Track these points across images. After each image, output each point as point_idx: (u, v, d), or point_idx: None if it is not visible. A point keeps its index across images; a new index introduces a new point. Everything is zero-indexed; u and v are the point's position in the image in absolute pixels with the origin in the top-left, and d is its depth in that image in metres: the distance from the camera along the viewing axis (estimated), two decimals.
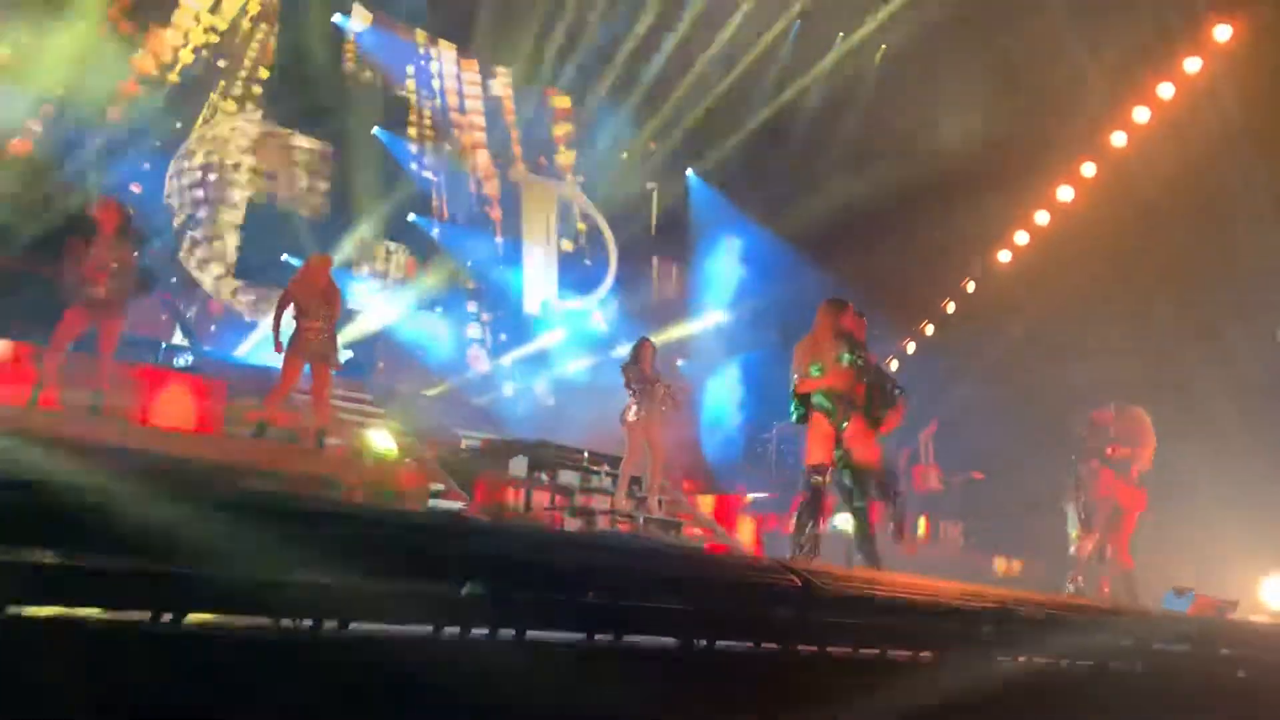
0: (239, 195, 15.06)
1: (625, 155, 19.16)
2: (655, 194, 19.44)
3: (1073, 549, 10.42)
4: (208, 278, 14.43)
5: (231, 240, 14.84)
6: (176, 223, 14.48)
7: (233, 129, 15.24)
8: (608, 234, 18.98)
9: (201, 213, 14.67)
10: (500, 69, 18.57)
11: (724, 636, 3.78)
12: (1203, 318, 12.56)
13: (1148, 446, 9.90)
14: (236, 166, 15.08)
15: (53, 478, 2.64)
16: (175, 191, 14.60)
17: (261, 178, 15.39)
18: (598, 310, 18.74)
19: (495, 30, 17.04)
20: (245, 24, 15.24)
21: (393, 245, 16.67)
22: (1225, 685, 5.99)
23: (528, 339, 17.72)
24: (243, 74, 15.31)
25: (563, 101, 19.12)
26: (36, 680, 2.21)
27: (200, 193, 14.77)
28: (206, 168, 14.85)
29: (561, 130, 19.24)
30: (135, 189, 13.89)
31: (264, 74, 15.43)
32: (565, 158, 19.23)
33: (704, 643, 3.71)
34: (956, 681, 4.45)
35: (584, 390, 16.28)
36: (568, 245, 18.98)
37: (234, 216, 14.97)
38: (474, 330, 17.44)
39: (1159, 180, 13.42)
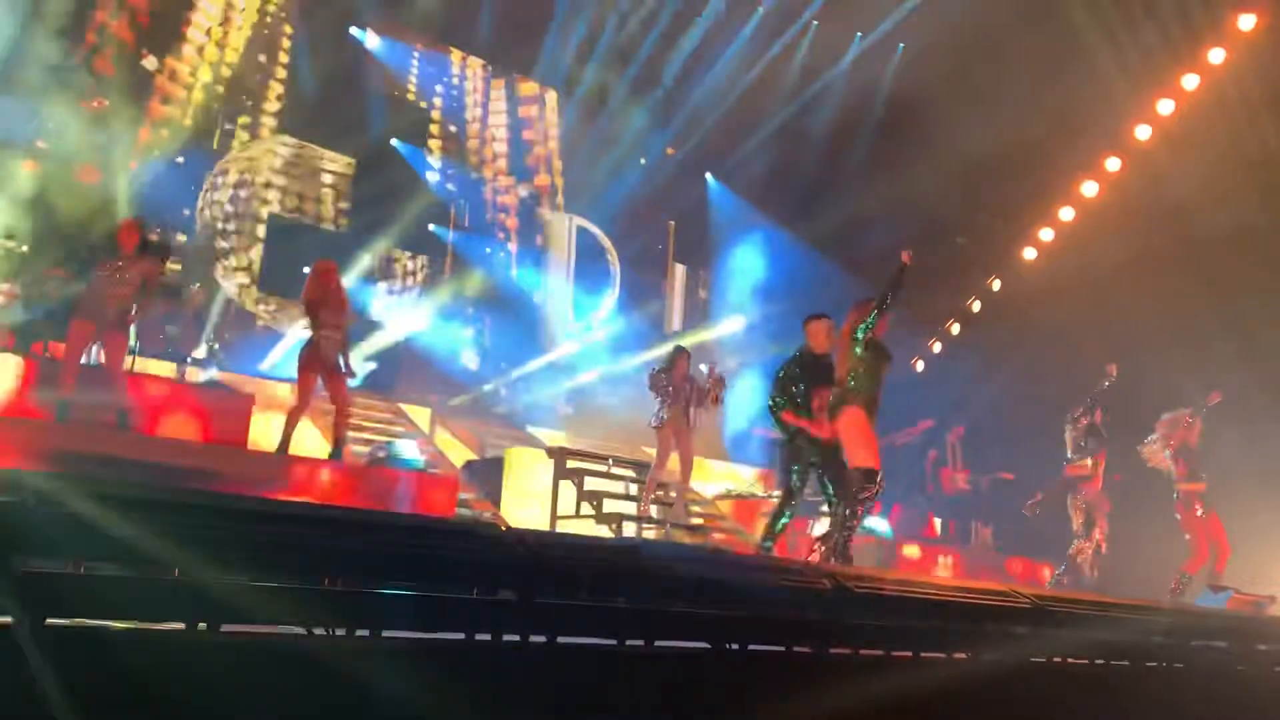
0: (266, 211, 15.19)
1: (643, 160, 19.16)
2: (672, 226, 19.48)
3: (1071, 549, 10.51)
4: (232, 287, 14.55)
5: (256, 252, 14.97)
6: (206, 238, 14.63)
7: (266, 150, 15.40)
8: (612, 252, 18.94)
9: (231, 225, 14.83)
10: (517, 78, 18.62)
11: (756, 641, 3.75)
12: (1236, 310, 12.42)
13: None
14: (267, 185, 15.24)
15: (76, 491, 2.64)
16: (207, 205, 14.78)
17: (289, 195, 15.52)
18: (608, 323, 18.70)
19: (510, 37, 17.10)
20: (258, 41, 15.36)
21: (411, 255, 16.71)
22: (1263, 681, 5.91)
23: (542, 349, 17.75)
24: (261, 92, 15.43)
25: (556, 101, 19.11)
26: (69, 691, 2.21)
27: (230, 208, 14.94)
28: (239, 184, 15.03)
29: (554, 129, 19.21)
30: (185, 212, 14.26)
31: (280, 90, 15.54)
32: (563, 158, 19.22)
33: (736, 647, 3.68)
34: (991, 682, 4.40)
35: (602, 398, 16.28)
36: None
37: (259, 230, 15.09)
38: (486, 338, 17.46)
39: (1186, 173, 13.31)
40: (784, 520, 7.09)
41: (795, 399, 7.17)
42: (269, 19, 15.55)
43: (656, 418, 10.19)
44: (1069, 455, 10.78)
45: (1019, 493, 13.87)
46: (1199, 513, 9.88)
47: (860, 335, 7.04)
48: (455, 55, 17.96)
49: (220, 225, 14.74)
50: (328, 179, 15.96)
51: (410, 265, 16.76)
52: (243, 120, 15.27)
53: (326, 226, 15.88)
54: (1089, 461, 10.61)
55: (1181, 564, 9.98)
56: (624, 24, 17.90)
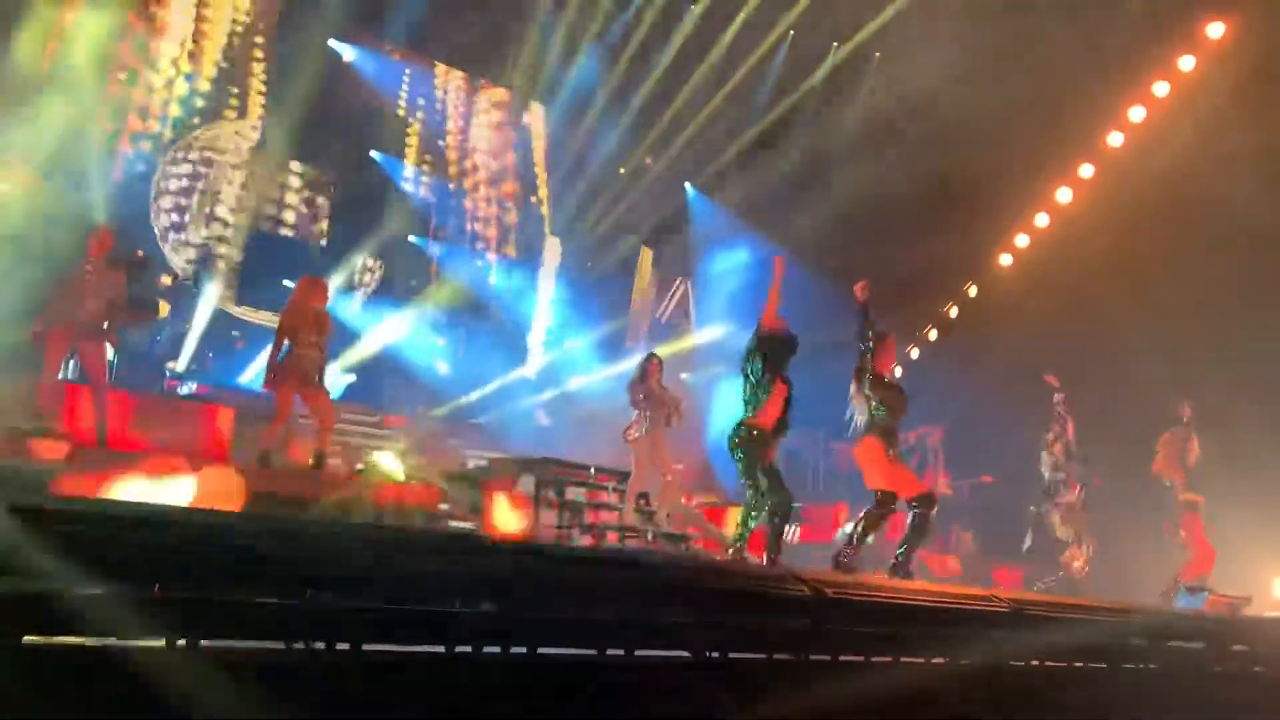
0: (240, 221, 15.07)
1: (622, 170, 19.21)
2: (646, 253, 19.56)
3: (1062, 558, 10.63)
4: (210, 302, 14.44)
5: (232, 265, 14.86)
6: (161, 226, 14.35)
7: (233, 132, 15.24)
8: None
9: (186, 201, 14.56)
10: (497, 89, 18.65)
11: (736, 648, 3.78)
12: (1212, 315, 12.53)
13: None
14: (233, 171, 15.02)
15: (62, 510, 2.65)
16: (164, 179, 14.52)
17: (262, 203, 15.42)
18: (587, 333, 18.75)
19: (489, 50, 17.13)
20: (238, 50, 15.31)
21: (375, 262, 16.57)
22: (1240, 681, 5.97)
23: (523, 359, 17.79)
24: (237, 101, 15.35)
25: (537, 113, 19.13)
26: (50, 709, 2.21)
27: (188, 183, 14.68)
28: (202, 161, 14.81)
29: (540, 140, 19.25)
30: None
31: (260, 100, 15.48)
32: (544, 168, 19.25)
33: (716, 655, 3.71)
34: (971, 685, 4.44)
35: (583, 408, 16.29)
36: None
37: (235, 241, 14.98)
38: (463, 349, 17.45)
39: (1157, 177, 13.44)
40: (754, 519, 7.16)
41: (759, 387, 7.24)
42: (246, 31, 15.49)
43: (633, 427, 10.21)
44: (1047, 479, 10.84)
45: (1000, 496, 13.97)
46: (1198, 522, 10.12)
47: (863, 377, 7.44)
48: (435, 67, 17.97)
49: (175, 200, 14.44)
50: (298, 183, 15.87)
51: (376, 270, 16.61)
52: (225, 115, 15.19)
53: (303, 237, 15.81)
54: (1071, 482, 10.75)
55: (1180, 570, 10.14)
56: (604, 33, 17.96)
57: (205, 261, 14.58)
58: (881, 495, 7.28)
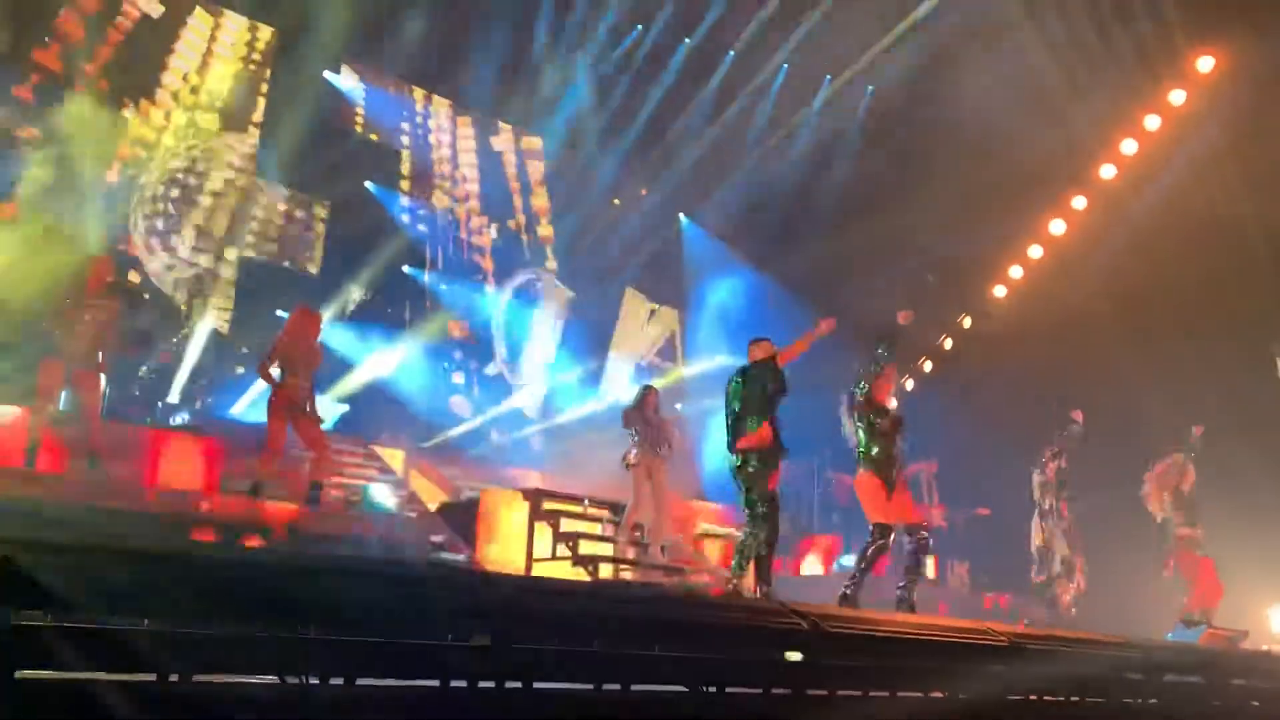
0: (230, 246, 15.04)
1: (617, 201, 19.29)
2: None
3: (1055, 590, 10.60)
4: (204, 331, 14.38)
5: (225, 296, 14.83)
6: (140, 231, 14.24)
7: (228, 145, 15.22)
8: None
9: (164, 224, 14.48)
10: (496, 122, 18.74)
11: (733, 683, 3.75)
12: (1207, 349, 12.56)
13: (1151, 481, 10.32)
14: (222, 183, 14.97)
15: (54, 542, 2.62)
16: (145, 200, 14.43)
17: (258, 236, 15.42)
18: (581, 364, 18.79)
19: (486, 82, 17.21)
20: (237, 81, 15.37)
21: (381, 296, 16.59)
22: (1239, 716, 5.94)
23: (516, 389, 17.80)
24: (234, 133, 15.38)
25: (532, 143, 19.23)
26: None
27: (172, 205, 14.64)
28: (189, 170, 14.80)
29: (537, 173, 19.33)
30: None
31: (255, 132, 15.52)
32: (539, 199, 19.31)
33: (713, 689, 3.67)
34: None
35: (577, 439, 16.26)
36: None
37: (228, 272, 14.96)
38: (459, 378, 17.44)
39: (1152, 210, 13.54)
40: (752, 550, 7.15)
41: (754, 413, 7.26)
42: (245, 63, 15.57)
43: (629, 457, 10.19)
44: (1036, 496, 10.90)
45: (995, 528, 13.93)
46: (1196, 556, 10.07)
47: (859, 399, 7.43)
48: (431, 99, 18.06)
49: (155, 206, 14.36)
50: (294, 213, 15.87)
51: (379, 303, 16.56)
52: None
53: (297, 267, 15.82)
54: (1060, 504, 10.77)
55: (1183, 604, 10.11)
56: (599, 64, 18.10)
57: (197, 284, 14.52)
58: (878, 528, 7.30)
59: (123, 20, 14.10)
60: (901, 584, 7.29)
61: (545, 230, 19.17)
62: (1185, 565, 10.13)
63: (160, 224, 14.34)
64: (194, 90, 14.90)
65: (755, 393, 7.29)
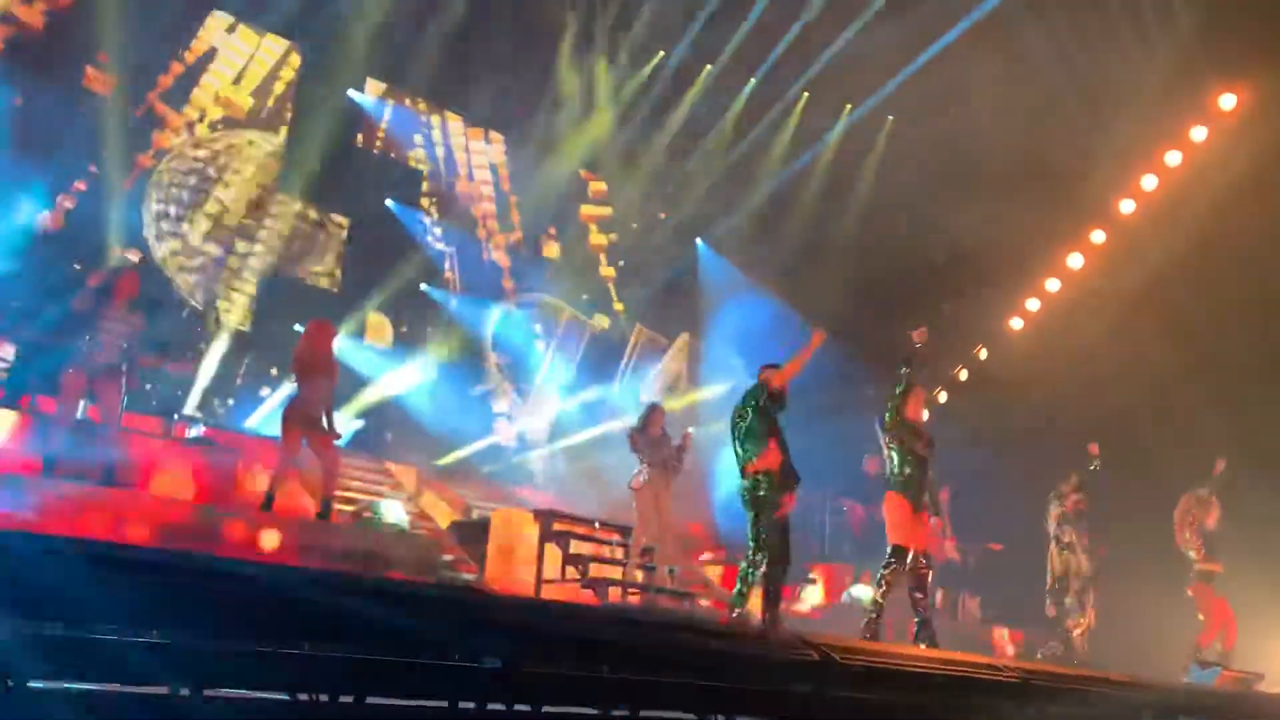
0: (252, 265, 15.13)
1: (635, 225, 19.36)
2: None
3: (1067, 624, 10.54)
4: (221, 343, 14.44)
5: (243, 309, 14.91)
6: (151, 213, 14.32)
7: (250, 142, 15.31)
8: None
9: (177, 210, 14.59)
10: (514, 142, 18.84)
11: (741, 712, 3.73)
12: (1222, 385, 12.50)
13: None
14: (242, 178, 15.05)
15: (66, 552, 2.63)
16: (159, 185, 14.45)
17: (277, 248, 15.50)
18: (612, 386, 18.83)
19: (508, 102, 17.32)
20: (265, 99, 15.52)
21: (399, 315, 16.67)
22: None
23: (538, 409, 17.83)
24: (261, 130, 15.53)
25: (598, 186, 19.45)
26: None
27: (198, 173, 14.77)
28: (212, 163, 14.89)
29: (592, 212, 19.48)
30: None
31: (279, 141, 15.64)
32: (598, 239, 19.48)
33: (721, 718, 3.66)
34: None
35: (594, 460, 16.25)
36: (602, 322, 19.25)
37: (247, 286, 15.05)
38: (502, 405, 17.52)
39: (1169, 247, 13.50)
40: (754, 577, 7.12)
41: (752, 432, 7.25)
42: (271, 80, 15.72)
43: (636, 479, 10.18)
44: (1054, 529, 10.85)
45: (1007, 563, 13.83)
46: (1213, 593, 10.03)
47: (890, 418, 7.47)
48: (454, 119, 18.16)
49: (169, 191, 14.46)
50: (314, 229, 15.96)
51: (397, 323, 16.61)
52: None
53: (316, 284, 15.90)
54: (1081, 537, 10.72)
55: (1195, 640, 10.06)
56: (620, 89, 18.18)
57: (203, 275, 14.55)
58: (895, 550, 7.30)
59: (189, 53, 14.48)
60: (919, 618, 7.28)
61: (557, 251, 19.22)
62: (1200, 599, 10.10)
63: (172, 210, 14.38)
64: (217, 100, 15.04)
65: (749, 413, 7.30)
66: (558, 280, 18.92)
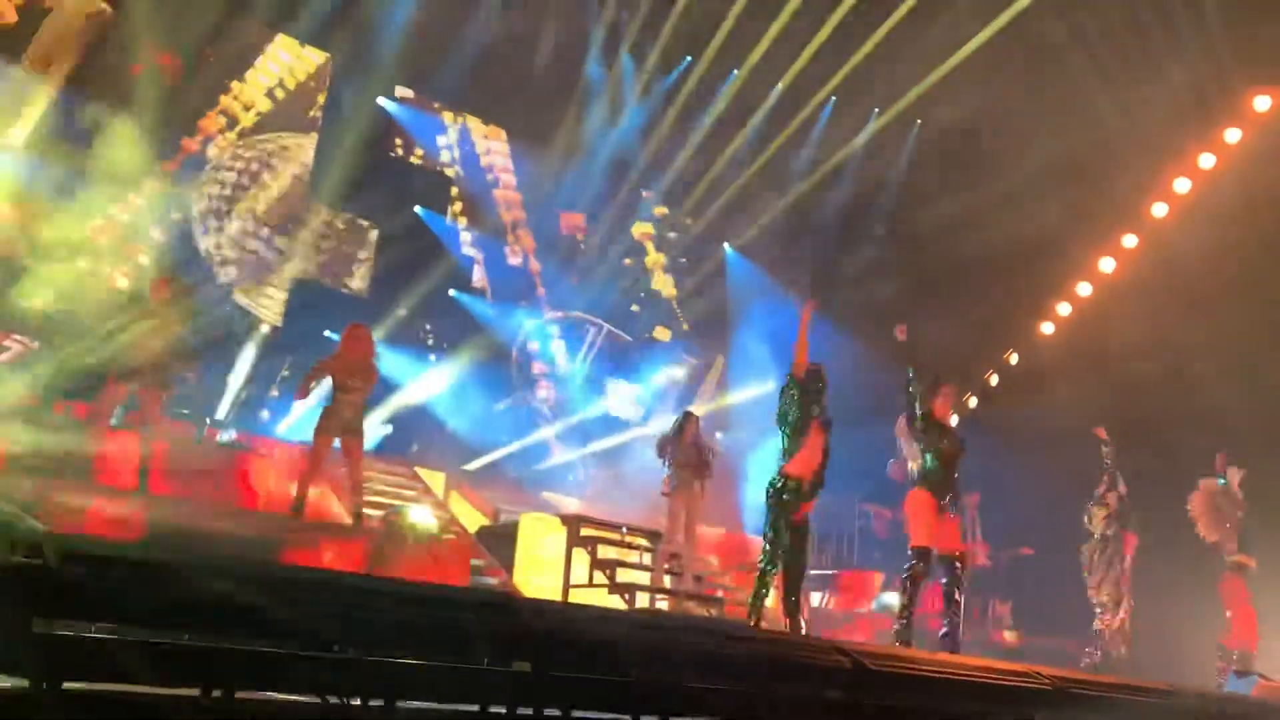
0: (287, 270, 15.27)
1: (672, 235, 19.40)
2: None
3: (1098, 624, 10.39)
4: (252, 349, 14.58)
5: (274, 314, 15.05)
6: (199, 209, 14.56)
7: (283, 148, 15.50)
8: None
9: (240, 179, 14.85)
10: (538, 147, 18.88)
11: (773, 718, 3.70)
12: (1256, 388, 12.32)
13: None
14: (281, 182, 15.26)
15: (100, 555, 2.64)
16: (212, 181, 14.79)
17: (307, 257, 15.63)
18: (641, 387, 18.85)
19: (536, 110, 17.37)
20: (301, 105, 15.69)
21: (430, 322, 16.74)
22: None
23: (560, 414, 17.87)
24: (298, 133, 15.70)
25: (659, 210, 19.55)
26: None
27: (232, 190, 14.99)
28: (260, 160, 15.11)
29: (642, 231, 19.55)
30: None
31: (311, 149, 15.78)
32: (654, 259, 19.58)
33: None
34: None
35: (624, 465, 16.24)
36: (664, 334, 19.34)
37: (278, 291, 15.19)
38: (550, 432, 17.58)
39: (1202, 252, 13.33)
40: (771, 572, 7.09)
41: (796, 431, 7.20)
42: (302, 89, 15.87)
43: (666, 485, 10.16)
44: (1097, 535, 10.67)
45: (1038, 568, 13.68)
46: (1245, 587, 9.87)
47: (919, 420, 7.43)
48: (482, 125, 18.23)
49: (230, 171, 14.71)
50: (345, 235, 16.11)
51: (427, 329, 16.69)
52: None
53: (346, 289, 16.03)
54: (1126, 536, 10.56)
55: (1220, 640, 9.91)
56: (646, 93, 18.18)
57: (241, 270, 14.70)
58: (915, 552, 7.24)
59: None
60: (943, 626, 7.18)
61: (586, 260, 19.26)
62: (1230, 594, 9.92)
63: (217, 204, 14.69)
64: (247, 108, 15.21)
65: (784, 404, 7.29)
66: (586, 288, 18.94)
